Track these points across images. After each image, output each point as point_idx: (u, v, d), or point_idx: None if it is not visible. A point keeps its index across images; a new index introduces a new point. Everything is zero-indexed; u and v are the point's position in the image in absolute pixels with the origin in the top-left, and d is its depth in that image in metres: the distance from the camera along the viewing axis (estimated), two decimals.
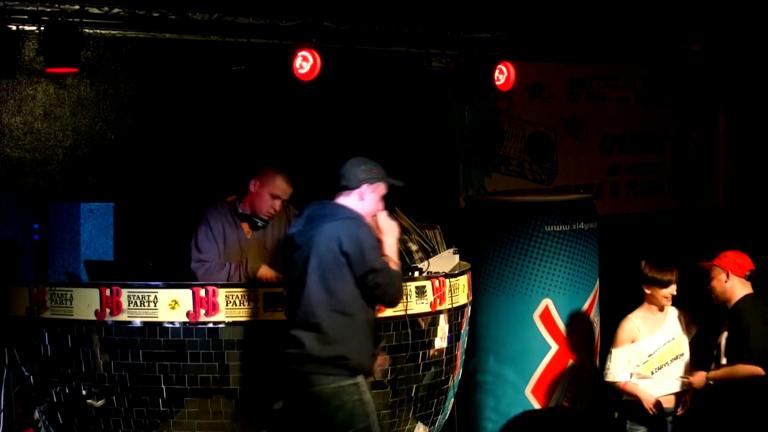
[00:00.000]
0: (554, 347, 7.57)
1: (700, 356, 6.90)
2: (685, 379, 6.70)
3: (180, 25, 7.25)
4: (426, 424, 6.43)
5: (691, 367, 6.82)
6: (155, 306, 5.88)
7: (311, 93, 7.87)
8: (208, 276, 6.34)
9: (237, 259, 6.49)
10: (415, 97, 8.66)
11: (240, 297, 5.91)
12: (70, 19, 6.82)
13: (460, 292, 6.47)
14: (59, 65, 6.84)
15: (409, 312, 6.15)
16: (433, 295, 6.31)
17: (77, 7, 6.87)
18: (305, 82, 7.49)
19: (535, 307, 7.56)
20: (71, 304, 5.98)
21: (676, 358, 6.82)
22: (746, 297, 6.57)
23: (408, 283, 6.21)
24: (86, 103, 7.70)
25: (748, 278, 6.61)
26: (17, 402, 6.32)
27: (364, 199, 5.54)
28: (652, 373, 6.78)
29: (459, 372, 6.64)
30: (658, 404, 6.71)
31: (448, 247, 6.68)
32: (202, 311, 5.87)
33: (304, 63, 7.44)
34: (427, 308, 6.27)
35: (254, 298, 5.91)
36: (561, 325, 7.57)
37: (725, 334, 6.58)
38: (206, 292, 5.89)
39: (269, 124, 8.13)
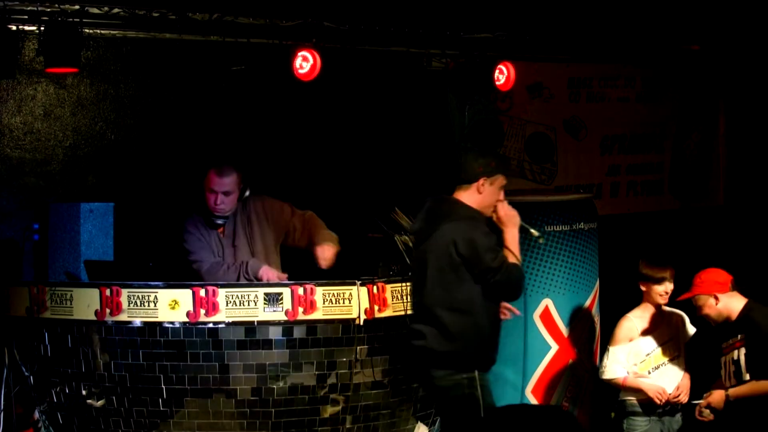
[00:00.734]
0: (554, 347, 7.56)
1: (698, 368, 6.89)
2: (701, 402, 6.51)
3: (180, 25, 7.25)
4: (426, 424, 6.43)
5: (685, 368, 6.80)
6: (155, 306, 5.88)
7: (311, 93, 7.86)
8: (212, 272, 6.35)
9: (217, 258, 6.54)
10: (415, 97, 8.65)
11: (240, 297, 5.91)
12: (70, 19, 6.81)
13: None
14: (59, 65, 6.83)
15: (409, 312, 6.15)
16: None
17: (77, 7, 6.87)
18: (305, 82, 7.48)
19: (535, 307, 7.55)
20: (71, 304, 5.98)
21: (672, 359, 6.82)
22: (748, 306, 6.36)
23: (408, 283, 6.21)
24: (86, 103, 7.70)
25: (734, 288, 6.43)
26: (17, 402, 6.32)
27: (482, 192, 5.63)
28: (649, 373, 6.79)
29: None
30: (663, 393, 6.71)
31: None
32: (202, 311, 5.88)
33: (304, 63, 7.43)
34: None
35: (254, 298, 5.91)
36: (561, 325, 7.57)
37: (741, 350, 6.36)
38: (206, 292, 5.89)
39: (269, 124, 8.13)
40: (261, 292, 5.94)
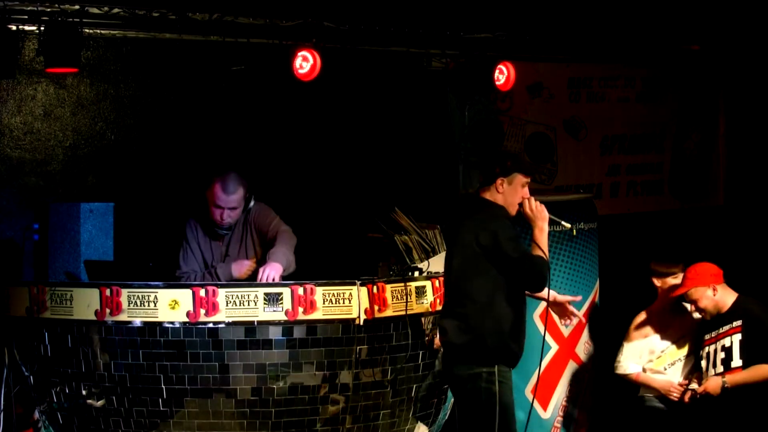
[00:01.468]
0: (554, 347, 7.56)
1: None
2: (696, 388, 6.58)
3: (180, 25, 7.25)
4: (426, 424, 6.43)
5: (696, 367, 6.79)
6: (155, 306, 5.88)
7: (311, 93, 7.86)
8: None
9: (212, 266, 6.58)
10: (415, 97, 8.65)
11: (240, 297, 5.91)
12: (70, 19, 6.81)
13: None
14: (59, 65, 6.83)
15: (409, 312, 6.15)
16: (433, 295, 6.31)
17: (77, 7, 6.87)
18: (305, 82, 7.48)
19: (535, 307, 7.52)
20: (71, 304, 5.98)
21: (688, 355, 6.80)
22: (741, 296, 6.53)
23: (408, 283, 6.22)
24: (86, 103, 7.70)
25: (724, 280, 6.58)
26: (17, 402, 6.32)
27: (502, 192, 5.74)
28: (665, 369, 6.78)
29: None
30: (675, 388, 6.72)
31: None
32: (202, 311, 5.88)
33: (304, 63, 7.43)
34: (427, 308, 6.28)
35: (254, 298, 5.91)
36: (561, 325, 7.56)
37: (735, 337, 6.46)
38: (206, 292, 5.89)
39: (269, 124, 8.13)
40: (261, 292, 5.94)
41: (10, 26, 6.77)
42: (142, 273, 6.31)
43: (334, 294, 6.05)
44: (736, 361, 6.44)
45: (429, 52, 8.42)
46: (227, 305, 5.89)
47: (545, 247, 5.72)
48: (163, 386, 5.90)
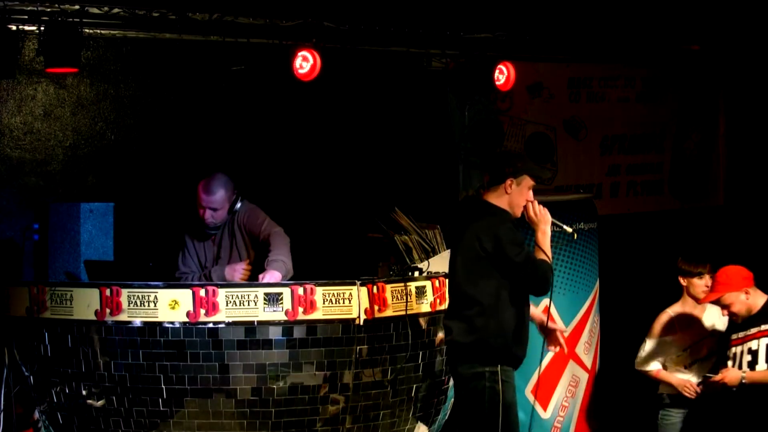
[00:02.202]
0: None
1: None
2: (716, 377, 6.50)
3: (180, 25, 7.25)
4: (426, 424, 6.43)
5: (722, 365, 6.74)
6: (155, 306, 5.88)
7: (311, 93, 7.86)
8: None
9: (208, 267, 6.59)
10: (415, 97, 8.65)
11: (240, 297, 5.91)
12: (70, 19, 6.82)
13: None
14: (59, 65, 6.83)
15: (409, 312, 6.15)
16: (433, 295, 6.31)
17: (77, 7, 6.87)
18: (305, 82, 7.48)
19: (535, 306, 7.54)
20: (71, 304, 5.98)
21: (709, 354, 6.77)
22: None
23: (408, 283, 6.21)
24: (86, 103, 7.70)
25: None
26: (17, 402, 6.32)
27: (509, 193, 5.74)
28: (685, 368, 6.77)
29: None
30: (692, 386, 6.71)
31: (448, 247, 6.67)
32: (202, 311, 5.88)
33: (304, 63, 7.43)
34: (427, 308, 6.28)
35: (254, 298, 5.91)
36: (561, 325, 7.56)
37: (763, 341, 6.41)
38: (206, 292, 5.89)
39: (269, 124, 8.13)
40: (261, 292, 5.94)
41: (10, 26, 6.77)
42: (142, 273, 6.31)
43: (334, 294, 6.05)
44: (761, 365, 6.39)
45: (429, 52, 8.42)
46: (227, 305, 5.89)
47: (549, 250, 5.73)
48: (163, 386, 5.90)
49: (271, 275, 6.21)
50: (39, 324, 6.07)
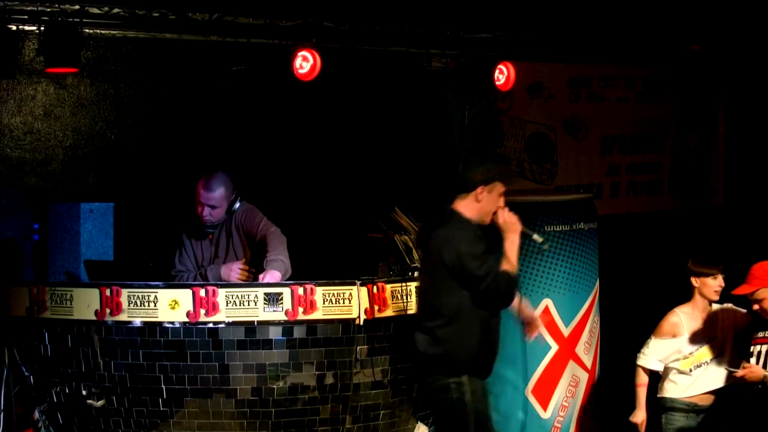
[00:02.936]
0: (554, 347, 7.56)
1: None
2: (738, 372, 6.40)
3: (180, 25, 7.25)
4: (426, 424, 6.43)
5: (732, 365, 6.67)
6: (155, 306, 5.88)
7: (311, 93, 7.86)
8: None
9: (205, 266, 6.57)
10: (415, 97, 8.65)
11: (240, 297, 5.91)
12: (70, 19, 6.82)
13: None
14: (59, 65, 6.83)
15: (409, 312, 6.15)
16: None
17: (77, 7, 6.87)
18: (305, 82, 7.48)
19: (535, 307, 7.54)
20: (71, 304, 5.98)
21: (716, 357, 6.65)
22: None
23: (408, 283, 6.21)
24: (86, 103, 7.70)
25: None
26: (17, 402, 6.32)
27: (480, 201, 5.61)
28: (690, 371, 6.65)
29: None
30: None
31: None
32: (202, 311, 5.88)
33: (304, 63, 7.44)
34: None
35: (254, 298, 5.91)
36: (561, 325, 7.57)
37: None
38: (206, 292, 5.89)
39: (269, 124, 8.13)
40: (261, 292, 5.94)
41: (10, 26, 6.77)
42: (142, 273, 6.31)
43: (334, 294, 6.05)
44: None
45: (429, 52, 8.42)
46: (227, 305, 5.89)
47: (515, 260, 5.60)
48: (163, 386, 5.90)
49: (272, 275, 6.20)
50: (39, 324, 6.08)
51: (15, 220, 7.39)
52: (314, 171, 8.32)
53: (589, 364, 7.71)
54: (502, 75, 8.34)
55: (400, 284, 6.24)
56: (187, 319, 5.87)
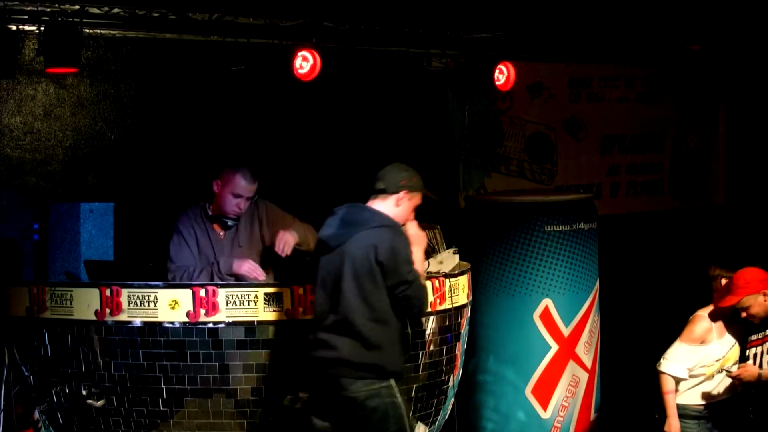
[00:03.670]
0: (554, 347, 7.57)
1: None
2: (733, 372, 6.43)
3: (180, 25, 7.25)
4: (426, 424, 6.43)
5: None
6: (155, 306, 5.88)
7: (311, 93, 7.87)
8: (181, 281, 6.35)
9: (212, 260, 6.48)
10: (415, 97, 8.66)
11: (240, 297, 5.91)
12: (70, 19, 6.81)
13: (460, 292, 6.47)
14: (59, 65, 6.83)
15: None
16: (433, 295, 6.30)
17: (77, 7, 6.87)
18: (305, 82, 7.48)
19: (535, 307, 7.55)
20: (71, 304, 5.98)
21: (735, 362, 6.59)
22: None
23: None
24: (86, 103, 7.70)
25: None
26: (17, 402, 6.32)
27: (399, 206, 5.55)
28: (713, 377, 6.58)
29: (459, 372, 6.64)
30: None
31: (448, 247, 6.67)
32: (202, 311, 5.88)
33: (304, 63, 7.44)
34: (427, 308, 6.26)
35: (254, 298, 5.91)
36: (561, 325, 7.57)
37: None
38: (206, 292, 5.89)
39: (269, 124, 8.13)
40: (261, 292, 5.94)
41: (10, 26, 6.76)
42: (142, 273, 6.30)
43: None
44: None
45: (429, 52, 8.42)
46: (227, 305, 5.89)
47: (423, 271, 5.54)
48: (163, 386, 5.90)
49: (290, 233, 6.24)
50: (39, 324, 6.07)
51: (15, 220, 7.39)
52: (314, 171, 8.32)
53: (589, 364, 7.72)
54: (502, 75, 8.35)
55: None
56: (187, 319, 5.87)
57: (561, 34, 8.77)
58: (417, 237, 5.56)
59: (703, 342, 6.59)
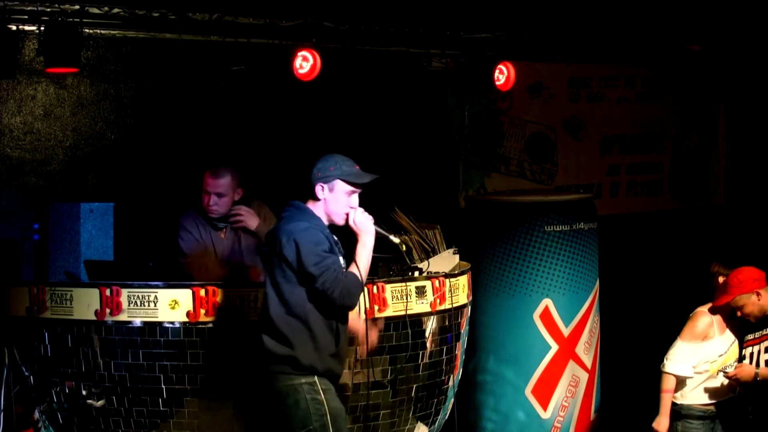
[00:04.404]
0: (554, 347, 7.57)
1: None
2: (730, 372, 6.42)
3: (180, 25, 7.25)
4: (426, 424, 6.43)
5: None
6: (155, 306, 5.88)
7: (311, 93, 7.87)
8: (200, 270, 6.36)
9: (214, 259, 6.51)
10: (415, 97, 8.66)
11: (240, 297, 5.91)
12: (70, 19, 6.82)
13: (460, 292, 6.47)
14: (59, 65, 6.83)
15: (409, 312, 6.15)
16: (433, 295, 6.31)
17: (77, 7, 6.87)
18: (305, 82, 7.49)
19: (535, 307, 7.55)
20: (71, 304, 5.98)
21: (737, 360, 6.60)
22: None
23: (408, 283, 6.21)
24: (86, 103, 7.70)
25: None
26: (17, 402, 6.32)
27: (321, 199, 5.44)
28: (717, 374, 6.57)
29: (459, 372, 6.64)
30: None
31: (448, 247, 6.67)
32: (202, 311, 5.88)
33: (304, 63, 7.44)
34: (427, 308, 6.27)
35: (254, 298, 5.91)
36: (561, 325, 7.57)
37: None
38: (206, 292, 5.89)
39: (269, 124, 8.13)
40: (261, 292, 5.93)
41: (10, 26, 6.77)
42: (142, 273, 6.30)
43: None
44: None
45: (429, 52, 8.42)
46: (227, 305, 5.89)
47: (363, 265, 5.38)
48: (163, 386, 5.90)
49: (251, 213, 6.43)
50: (39, 324, 6.07)
51: (15, 220, 7.39)
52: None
53: (589, 364, 7.72)
54: (502, 75, 8.35)
55: (399, 284, 6.23)
56: (187, 319, 5.87)
57: (561, 34, 8.77)
58: (359, 225, 5.42)
59: (705, 338, 6.60)
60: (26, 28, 6.94)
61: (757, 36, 9.34)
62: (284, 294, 5.32)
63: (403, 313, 6.14)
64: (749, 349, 6.49)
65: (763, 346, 6.46)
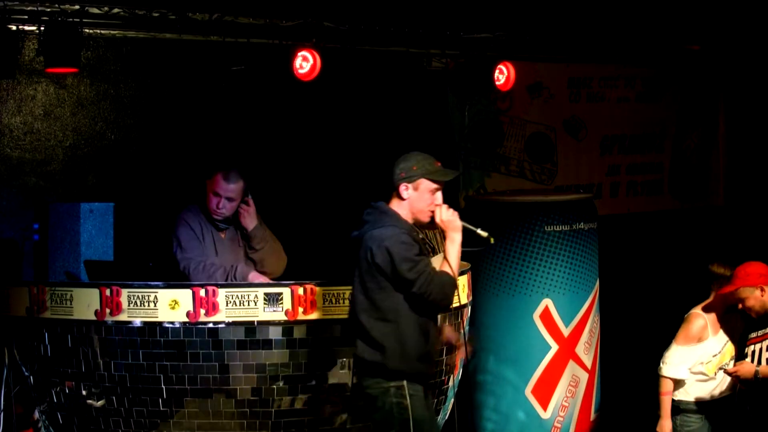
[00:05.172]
0: (554, 347, 7.57)
1: None
2: (730, 369, 6.38)
3: (180, 25, 7.25)
4: None
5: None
6: (155, 306, 5.88)
7: (311, 93, 7.87)
8: (199, 272, 6.31)
9: (214, 258, 6.48)
10: (415, 97, 8.66)
11: (240, 297, 5.91)
12: (70, 19, 6.82)
13: (460, 292, 6.46)
14: (59, 65, 6.83)
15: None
16: None
17: (77, 7, 6.87)
18: (305, 82, 7.49)
19: (535, 307, 7.56)
20: (71, 304, 5.98)
21: (732, 358, 6.59)
22: None
23: None
24: (86, 103, 7.70)
25: None
26: (17, 402, 6.32)
27: (406, 199, 5.43)
28: (714, 374, 6.58)
29: (459, 372, 6.64)
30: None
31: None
32: (202, 311, 5.88)
33: (304, 63, 7.44)
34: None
35: (254, 298, 5.91)
36: (561, 325, 7.57)
37: None
38: (206, 292, 5.89)
39: (269, 124, 8.13)
40: (261, 292, 5.94)
41: (10, 26, 6.77)
42: (142, 273, 6.30)
43: (334, 294, 6.05)
44: None
45: (429, 52, 8.43)
46: (227, 305, 5.89)
47: (454, 261, 5.40)
48: (163, 386, 5.90)
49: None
50: (39, 324, 6.08)
51: (15, 220, 7.39)
52: (314, 171, 8.32)
53: (589, 364, 7.72)
54: (502, 75, 8.35)
55: None
56: (187, 319, 5.87)
57: (561, 34, 8.77)
58: (446, 222, 5.42)
59: (699, 340, 6.61)
60: (26, 28, 6.94)
61: (757, 36, 9.34)
62: (376, 300, 5.32)
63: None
64: (752, 347, 6.49)
65: (765, 344, 6.46)
